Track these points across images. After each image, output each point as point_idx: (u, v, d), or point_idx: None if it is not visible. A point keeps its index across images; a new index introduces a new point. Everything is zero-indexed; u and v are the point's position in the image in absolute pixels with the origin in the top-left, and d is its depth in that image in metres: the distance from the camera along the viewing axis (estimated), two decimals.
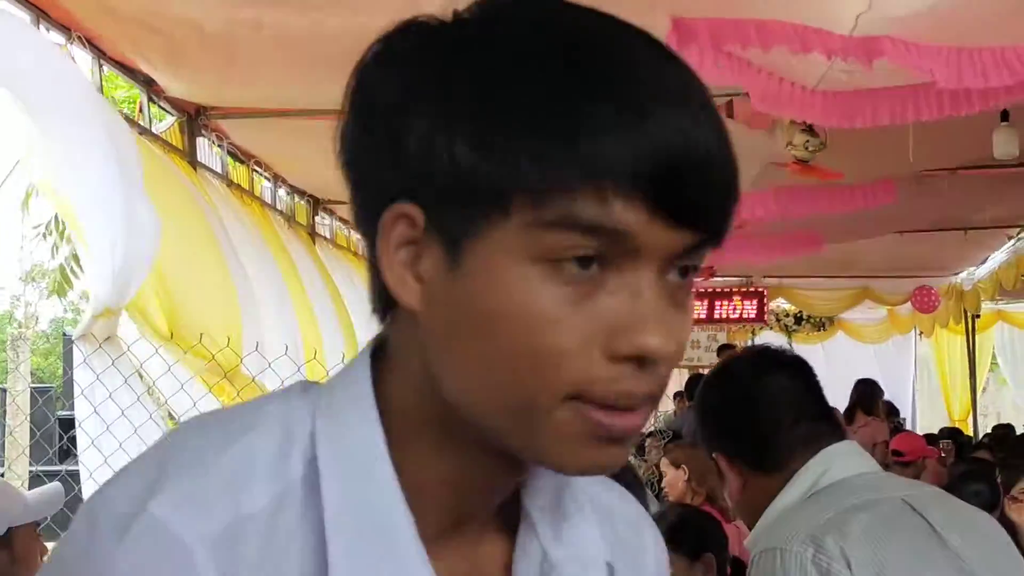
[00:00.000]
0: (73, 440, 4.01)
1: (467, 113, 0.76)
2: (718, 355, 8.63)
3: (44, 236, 10.14)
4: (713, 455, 2.11)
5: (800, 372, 2.11)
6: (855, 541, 1.82)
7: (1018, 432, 9.64)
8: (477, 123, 0.76)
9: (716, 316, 12.52)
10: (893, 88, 4.43)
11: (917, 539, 1.88)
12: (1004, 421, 12.27)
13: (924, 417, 14.77)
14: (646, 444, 7.70)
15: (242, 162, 5.84)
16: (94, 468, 3.81)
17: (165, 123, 5.02)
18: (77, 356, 3.85)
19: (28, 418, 8.46)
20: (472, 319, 0.78)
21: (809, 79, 4.34)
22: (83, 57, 4.12)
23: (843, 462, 2.00)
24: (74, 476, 4.01)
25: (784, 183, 6.21)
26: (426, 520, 0.83)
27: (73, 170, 3.63)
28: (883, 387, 8.92)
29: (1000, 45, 3.84)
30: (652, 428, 8.35)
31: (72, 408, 4.00)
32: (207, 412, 0.91)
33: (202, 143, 5.22)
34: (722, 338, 12.21)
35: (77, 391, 3.87)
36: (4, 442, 9.59)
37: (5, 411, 10.59)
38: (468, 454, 0.84)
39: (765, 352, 2.19)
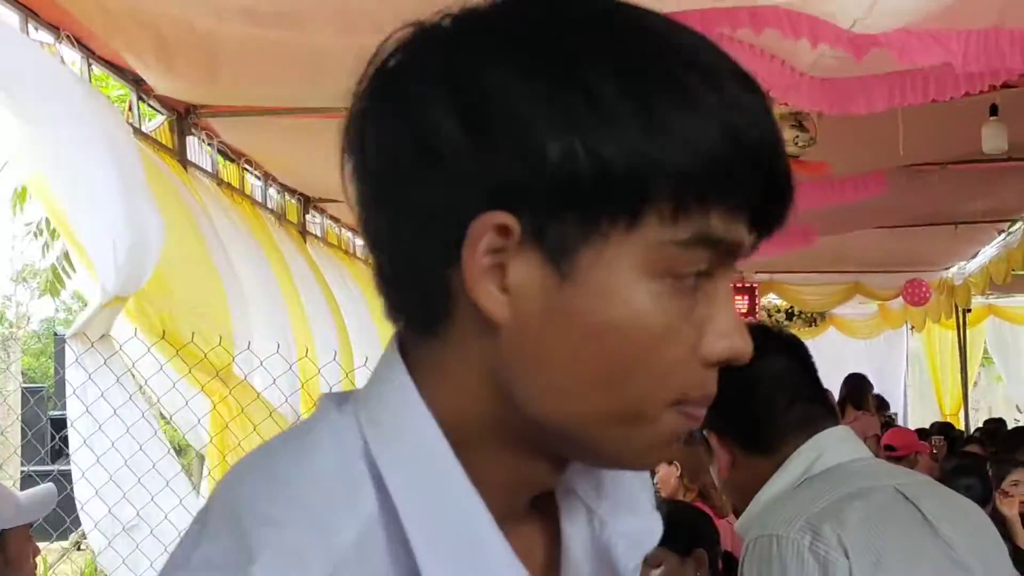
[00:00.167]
0: (65, 440, 4.00)
1: (599, 121, 0.73)
2: None
3: (35, 235, 10.12)
4: (704, 431, 2.10)
5: (797, 353, 2.10)
6: (852, 529, 1.82)
7: (1010, 427, 9.66)
8: (615, 132, 0.73)
9: None
10: (883, 75, 4.42)
11: (911, 529, 1.88)
12: (996, 415, 12.30)
13: (915, 412, 14.80)
14: None
15: (232, 161, 5.83)
16: (86, 468, 3.81)
17: (155, 122, 5.01)
18: (69, 356, 3.85)
19: (19, 418, 8.43)
20: (582, 331, 0.76)
21: (800, 65, 4.33)
22: (72, 56, 4.11)
23: (836, 448, 1.99)
24: (66, 476, 4.01)
25: None
26: None
27: (69, 165, 3.63)
28: (875, 382, 8.93)
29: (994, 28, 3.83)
30: None
31: (64, 408, 4.00)
32: (248, 460, 0.85)
33: (192, 142, 5.21)
34: None
35: (69, 391, 3.86)
36: None
37: None
38: (523, 462, 0.83)
39: (762, 331, 2.16)
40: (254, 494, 0.79)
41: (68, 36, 3.99)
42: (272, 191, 6.39)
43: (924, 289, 12.28)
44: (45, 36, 3.92)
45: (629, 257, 0.75)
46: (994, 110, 5.42)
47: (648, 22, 0.78)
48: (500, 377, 0.79)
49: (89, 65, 4.26)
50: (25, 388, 11.98)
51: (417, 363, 0.82)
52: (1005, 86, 5.22)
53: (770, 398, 2.02)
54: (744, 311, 12.62)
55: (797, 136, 5.26)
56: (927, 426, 10.34)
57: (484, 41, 0.77)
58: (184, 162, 5.06)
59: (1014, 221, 9.51)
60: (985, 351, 15.15)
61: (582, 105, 0.73)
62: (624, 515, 0.92)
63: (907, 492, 1.93)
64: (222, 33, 4.03)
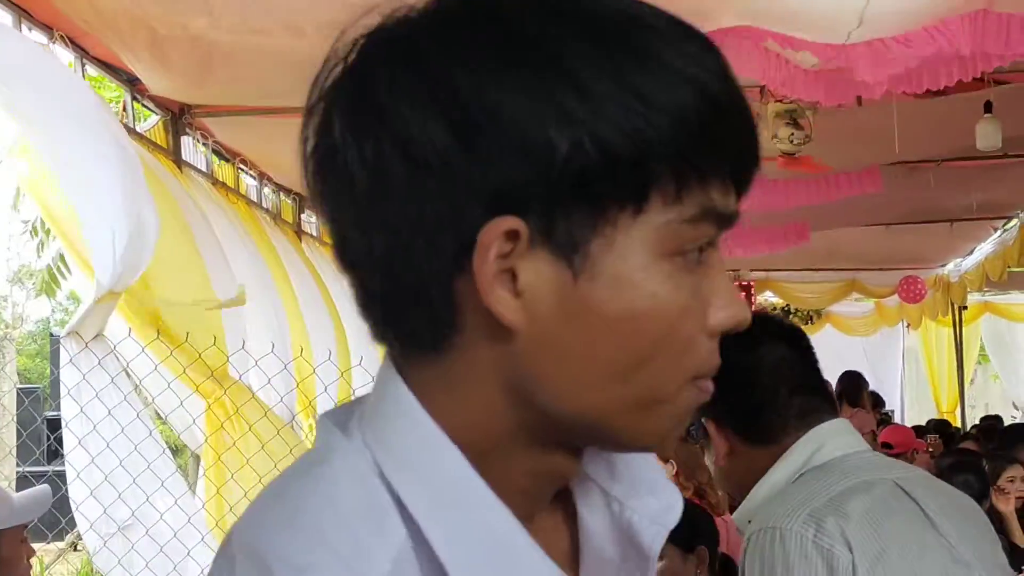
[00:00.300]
0: (60, 440, 4.00)
1: (592, 109, 0.72)
2: None
3: (31, 235, 10.10)
4: (703, 419, 2.08)
5: (799, 343, 2.09)
6: (855, 524, 1.81)
7: (1007, 424, 9.66)
8: (609, 117, 0.72)
9: None
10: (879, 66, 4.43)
11: (912, 524, 1.87)
12: (992, 413, 12.30)
13: (912, 409, 14.81)
14: None
15: (227, 160, 5.82)
16: (81, 468, 3.80)
17: (149, 122, 5.00)
18: (63, 356, 3.84)
19: (14, 419, 8.42)
20: (601, 323, 0.76)
21: (794, 59, 4.35)
22: (66, 56, 4.11)
23: (835, 441, 1.98)
24: (61, 477, 4.00)
25: (770, 177, 6.22)
26: None
27: (68, 155, 3.63)
28: (871, 380, 8.94)
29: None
30: None
31: (59, 408, 3.99)
32: (265, 503, 0.82)
33: (187, 142, 5.20)
34: None
35: (63, 391, 3.85)
36: None
37: None
38: (543, 460, 0.82)
39: (765, 321, 2.14)
40: (281, 542, 0.76)
41: (62, 36, 3.98)
42: (267, 190, 6.39)
43: (919, 286, 12.28)
44: (39, 36, 3.91)
45: (639, 242, 0.75)
46: (988, 107, 5.42)
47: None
48: (516, 382, 0.78)
49: (83, 65, 4.25)
50: (20, 389, 11.97)
51: (418, 381, 0.80)
52: (999, 83, 5.23)
53: (771, 388, 2.00)
54: None
55: (792, 134, 5.26)
56: (924, 424, 10.34)
57: (453, 39, 0.75)
58: (179, 162, 5.05)
59: (1009, 218, 9.52)
60: (981, 348, 15.16)
61: (572, 95, 0.72)
62: (642, 495, 0.91)
63: (906, 486, 1.92)
64: (215, 32, 4.03)
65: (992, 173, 7.28)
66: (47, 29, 3.93)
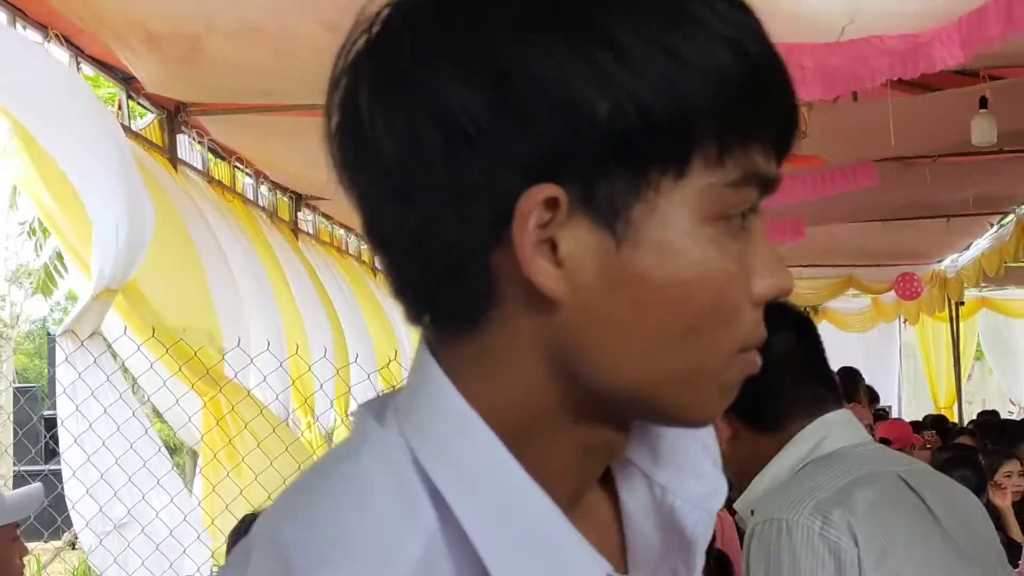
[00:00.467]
0: (57, 439, 3.99)
1: (632, 70, 0.70)
2: None
3: (29, 235, 10.11)
4: None
5: (808, 331, 2.08)
6: (862, 517, 1.80)
7: (1004, 419, 9.67)
8: (649, 78, 0.70)
9: None
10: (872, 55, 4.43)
11: (917, 518, 1.87)
12: (989, 408, 12.32)
13: (910, 405, 14.82)
14: None
15: (223, 159, 5.82)
16: (76, 466, 3.80)
17: (144, 120, 5.00)
18: (59, 354, 3.84)
19: (11, 417, 8.42)
20: (646, 291, 0.73)
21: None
22: (61, 55, 4.10)
23: (840, 431, 1.97)
24: (58, 475, 3.99)
25: None
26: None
27: (69, 149, 3.63)
28: (869, 376, 8.93)
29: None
30: None
31: (56, 407, 3.99)
32: (288, 496, 0.79)
33: (182, 140, 5.20)
34: None
35: (59, 389, 3.85)
36: None
37: None
38: (589, 434, 0.80)
39: (776, 307, 2.12)
40: (304, 533, 0.74)
41: (57, 35, 3.98)
42: (264, 189, 6.38)
43: (915, 283, 12.29)
44: (33, 35, 3.91)
45: (682, 207, 0.73)
46: (983, 102, 5.42)
47: None
48: (558, 355, 0.76)
49: (78, 63, 4.25)
50: (17, 388, 11.96)
51: (454, 362, 0.78)
52: (993, 78, 5.23)
53: (779, 375, 1.97)
54: None
55: None
56: (921, 419, 10.35)
57: (484, 1, 0.73)
58: (174, 160, 5.05)
59: (1006, 213, 9.52)
60: (978, 345, 15.17)
61: (610, 56, 0.70)
62: (687, 479, 0.89)
63: (909, 479, 1.92)
64: (210, 31, 4.02)
65: (988, 168, 7.29)
66: (42, 28, 3.93)
